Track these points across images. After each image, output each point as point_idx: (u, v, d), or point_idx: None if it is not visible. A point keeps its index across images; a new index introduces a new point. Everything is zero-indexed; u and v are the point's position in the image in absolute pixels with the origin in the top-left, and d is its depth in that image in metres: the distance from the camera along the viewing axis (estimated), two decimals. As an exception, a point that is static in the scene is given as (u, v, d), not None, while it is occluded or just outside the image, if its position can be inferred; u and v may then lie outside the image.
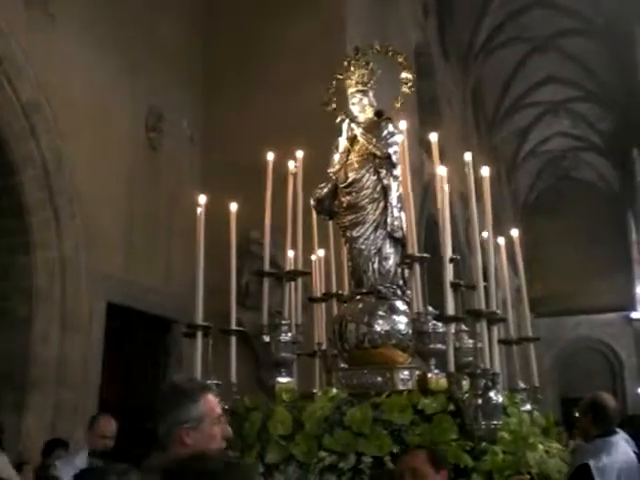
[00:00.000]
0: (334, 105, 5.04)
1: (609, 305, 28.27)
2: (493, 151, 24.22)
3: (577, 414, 5.11)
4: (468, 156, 4.12)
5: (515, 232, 5.28)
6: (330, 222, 4.98)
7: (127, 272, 8.71)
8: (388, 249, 4.52)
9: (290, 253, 4.70)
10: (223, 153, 10.11)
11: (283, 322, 4.42)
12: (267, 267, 4.65)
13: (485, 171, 4.21)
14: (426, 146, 9.95)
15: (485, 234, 4.50)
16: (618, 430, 4.91)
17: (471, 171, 4.09)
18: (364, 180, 4.62)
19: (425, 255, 3.95)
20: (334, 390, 4.10)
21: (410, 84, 4.94)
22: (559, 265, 28.74)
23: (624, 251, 28.94)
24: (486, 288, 3.99)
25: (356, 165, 4.69)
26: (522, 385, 4.70)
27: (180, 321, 8.68)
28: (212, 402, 2.62)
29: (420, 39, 15.02)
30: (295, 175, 4.71)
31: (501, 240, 5.13)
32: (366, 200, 4.58)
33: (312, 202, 4.84)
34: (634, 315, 28.19)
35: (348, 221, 4.62)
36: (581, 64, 22.75)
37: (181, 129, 10.16)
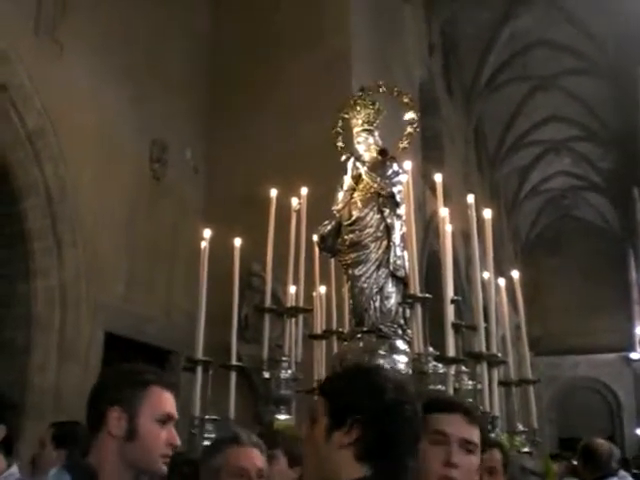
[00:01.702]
0: (340, 143, 5.10)
1: (608, 345, 28.19)
2: (495, 188, 24.32)
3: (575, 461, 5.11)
4: (471, 198, 4.16)
5: (516, 273, 5.31)
6: (332, 259, 5.01)
7: (127, 302, 8.71)
8: (390, 288, 4.54)
9: (292, 289, 4.73)
10: (226, 185, 10.16)
11: (283, 358, 4.44)
12: (268, 303, 4.68)
13: (487, 213, 4.25)
14: (429, 182, 10.05)
15: (486, 274, 4.53)
16: (622, 474, 4.89)
17: (474, 213, 4.13)
18: (368, 218, 4.66)
19: (427, 295, 3.98)
20: (333, 429, 4.10)
21: (415, 124, 4.99)
22: (559, 303, 28.74)
23: (624, 291, 28.92)
24: (487, 329, 4.01)
25: (360, 203, 4.73)
26: (521, 427, 4.69)
27: (179, 352, 8.67)
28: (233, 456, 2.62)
29: (425, 75, 15.15)
30: (298, 212, 4.76)
31: (502, 281, 5.16)
32: (369, 238, 4.61)
33: (315, 239, 4.87)
34: (633, 356, 28.09)
35: (350, 259, 4.64)
36: (583, 104, 22.92)
37: (185, 160, 10.21)
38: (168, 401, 2.12)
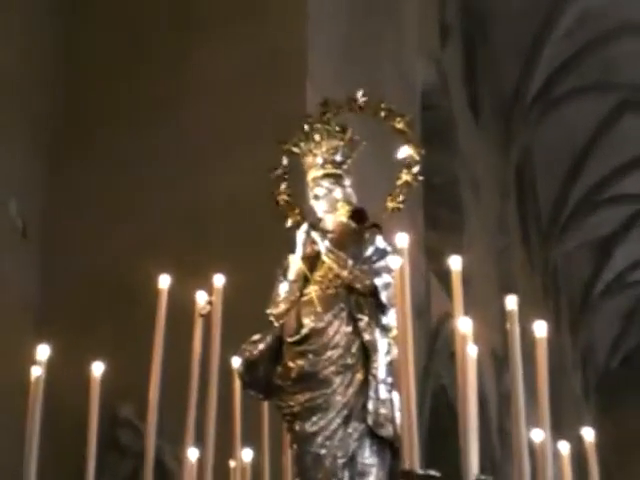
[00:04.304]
0: (284, 197, 5.15)
1: None
2: (550, 277, 24.60)
3: None
4: (512, 303, 4.15)
5: (589, 432, 5.36)
6: (265, 402, 5.01)
7: None
8: (368, 458, 4.54)
9: (192, 453, 4.69)
10: (76, 261, 10.14)
11: None
12: (150, 478, 4.65)
13: (540, 328, 4.28)
14: (435, 264, 9.99)
15: (538, 433, 4.57)
16: None
17: (516, 327, 4.15)
18: (330, 332, 4.68)
19: (434, 474, 3.97)
20: None
21: (416, 167, 5.05)
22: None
23: None
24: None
25: (318, 305, 4.75)
26: None
27: None
28: None
29: (433, 79, 15.35)
30: (208, 316, 4.73)
31: (564, 445, 5.20)
32: (332, 368, 4.63)
33: (237, 366, 4.88)
34: None
35: (299, 404, 4.65)
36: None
37: (8, 217, 10.23)
38: None
